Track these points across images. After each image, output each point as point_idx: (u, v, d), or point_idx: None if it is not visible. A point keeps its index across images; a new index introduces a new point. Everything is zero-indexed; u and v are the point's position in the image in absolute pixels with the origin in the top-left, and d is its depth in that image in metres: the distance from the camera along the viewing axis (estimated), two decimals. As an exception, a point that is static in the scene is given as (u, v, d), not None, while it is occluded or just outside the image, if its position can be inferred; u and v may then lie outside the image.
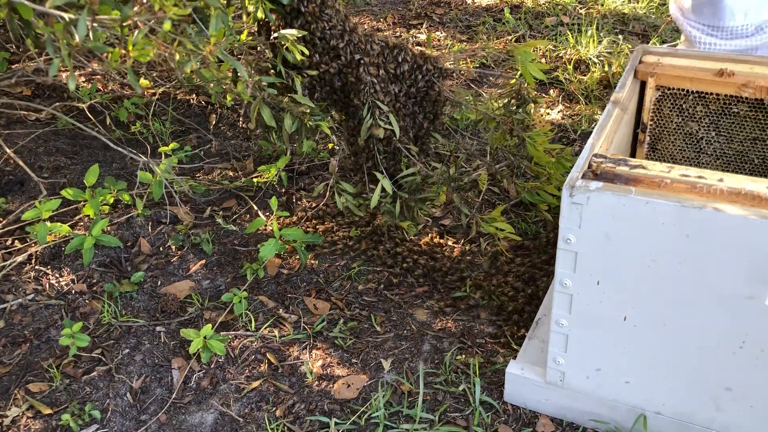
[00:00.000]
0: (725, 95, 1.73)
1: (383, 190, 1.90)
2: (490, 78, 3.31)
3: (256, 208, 2.38)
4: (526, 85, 1.94)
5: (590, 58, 3.27)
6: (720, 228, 1.22)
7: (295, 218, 2.36)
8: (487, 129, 2.10)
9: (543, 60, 3.38)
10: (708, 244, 1.24)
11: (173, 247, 2.25)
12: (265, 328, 1.93)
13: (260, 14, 1.79)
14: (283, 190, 2.50)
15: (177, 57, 1.20)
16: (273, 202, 2.14)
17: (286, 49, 1.79)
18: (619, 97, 1.64)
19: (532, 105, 1.98)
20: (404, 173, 1.92)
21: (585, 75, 3.21)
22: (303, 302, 2.01)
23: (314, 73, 1.90)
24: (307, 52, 1.81)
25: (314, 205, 2.42)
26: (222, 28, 1.64)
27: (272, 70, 1.88)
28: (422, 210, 1.92)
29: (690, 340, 1.36)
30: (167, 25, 1.20)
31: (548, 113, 2.98)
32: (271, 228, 2.23)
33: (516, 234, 1.99)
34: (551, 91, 3.13)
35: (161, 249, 2.26)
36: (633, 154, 1.91)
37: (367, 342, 1.87)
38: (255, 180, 2.54)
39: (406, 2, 4.29)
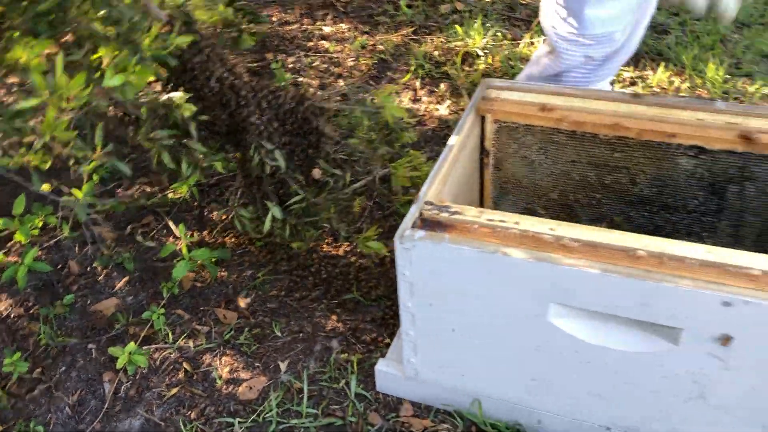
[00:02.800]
0: (548, 127, 2.09)
1: (274, 217, 2.23)
2: (388, 73, 3.60)
3: (172, 224, 2.68)
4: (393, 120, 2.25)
5: (476, 51, 3.58)
6: (510, 267, 1.59)
7: (206, 232, 2.67)
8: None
9: (436, 53, 3.67)
10: (504, 278, 1.62)
11: (99, 267, 2.55)
12: (182, 339, 2.26)
13: (150, 77, 2.05)
14: (195, 204, 2.80)
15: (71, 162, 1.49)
16: (181, 229, 2.44)
17: (177, 106, 2.07)
18: (455, 140, 1.98)
19: (404, 135, 2.30)
20: (291, 201, 2.25)
21: (473, 67, 3.53)
22: (214, 313, 2.35)
23: (206, 118, 2.18)
24: (194, 108, 2.09)
25: (224, 218, 2.73)
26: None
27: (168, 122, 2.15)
28: (309, 233, 2.26)
29: (502, 345, 1.76)
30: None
31: (437, 109, 3.30)
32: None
33: (387, 251, 2.33)
34: (441, 86, 3.44)
35: (88, 269, 2.55)
36: (482, 175, 2.26)
37: (268, 346, 2.22)
38: (169, 195, 2.82)
39: (313, -10, 4.49)
